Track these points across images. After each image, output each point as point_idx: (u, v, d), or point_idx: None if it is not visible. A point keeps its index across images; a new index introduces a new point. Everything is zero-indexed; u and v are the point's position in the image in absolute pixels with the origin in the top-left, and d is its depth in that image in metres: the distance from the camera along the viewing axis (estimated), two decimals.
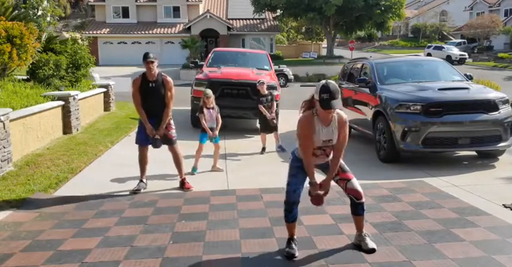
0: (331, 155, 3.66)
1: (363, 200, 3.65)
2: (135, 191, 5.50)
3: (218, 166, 6.79)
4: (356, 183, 3.65)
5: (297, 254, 3.63)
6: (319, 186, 3.56)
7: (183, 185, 5.72)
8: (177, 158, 5.75)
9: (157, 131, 5.53)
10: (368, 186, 5.63)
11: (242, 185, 5.83)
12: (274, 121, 8.04)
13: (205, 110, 6.64)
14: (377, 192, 5.40)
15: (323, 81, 3.45)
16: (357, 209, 3.68)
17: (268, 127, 8.03)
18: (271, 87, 9.63)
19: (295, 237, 3.77)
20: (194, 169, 6.54)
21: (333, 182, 3.68)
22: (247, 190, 5.61)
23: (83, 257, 3.68)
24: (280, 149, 7.99)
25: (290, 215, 3.67)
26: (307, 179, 3.59)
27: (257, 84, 8.20)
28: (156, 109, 5.53)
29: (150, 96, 5.50)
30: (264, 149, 8.01)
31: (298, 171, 3.64)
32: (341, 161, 3.66)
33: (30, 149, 7.18)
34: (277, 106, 9.60)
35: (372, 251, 3.65)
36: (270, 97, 8.12)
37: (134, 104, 5.60)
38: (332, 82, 3.42)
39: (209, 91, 6.73)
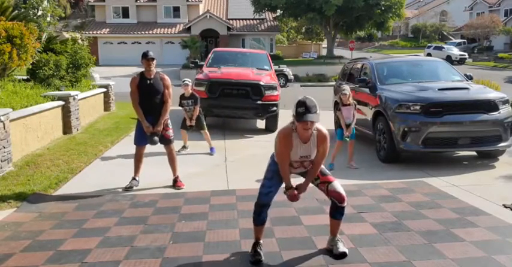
0: (309, 167, 3.61)
1: (345, 204, 3.55)
2: (127, 188, 5.61)
3: (352, 163, 6.87)
4: (338, 185, 3.56)
5: (262, 258, 3.57)
6: (295, 189, 3.55)
7: (175, 183, 5.82)
8: (172, 157, 5.83)
9: (155, 128, 5.58)
10: (368, 186, 5.65)
11: (242, 185, 5.82)
12: (192, 123, 7.62)
13: (342, 107, 6.79)
14: (377, 192, 5.40)
15: (300, 97, 3.36)
16: (336, 213, 3.59)
17: (186, 124, 7.74)
18: (270, 87, 9.64)
19: (261, 241, 3.72)
20: (331, 164, 6.65)
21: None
22: (247, 190, 5.58)
23: (83, 257, 3.68)
24: (211, 151, 7.73)
25: (258, 218, 3.62)
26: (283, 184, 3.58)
27: (181, 85, 7.68)
28: (154, 107, 5.59)
29: (148, 93, 5.56)
30: (183, 147, 7.82)
31: (274, 175, 3.61)
32: (322, 166, 3.60)
33: (30, 149, 7.18)
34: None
35: (343, 255, 3.57)
36: (192, 100, 7.62)
37: (132, 102, 5.64)
38: (310, 97, 3.31)
39: (347, 87, 6.88)
